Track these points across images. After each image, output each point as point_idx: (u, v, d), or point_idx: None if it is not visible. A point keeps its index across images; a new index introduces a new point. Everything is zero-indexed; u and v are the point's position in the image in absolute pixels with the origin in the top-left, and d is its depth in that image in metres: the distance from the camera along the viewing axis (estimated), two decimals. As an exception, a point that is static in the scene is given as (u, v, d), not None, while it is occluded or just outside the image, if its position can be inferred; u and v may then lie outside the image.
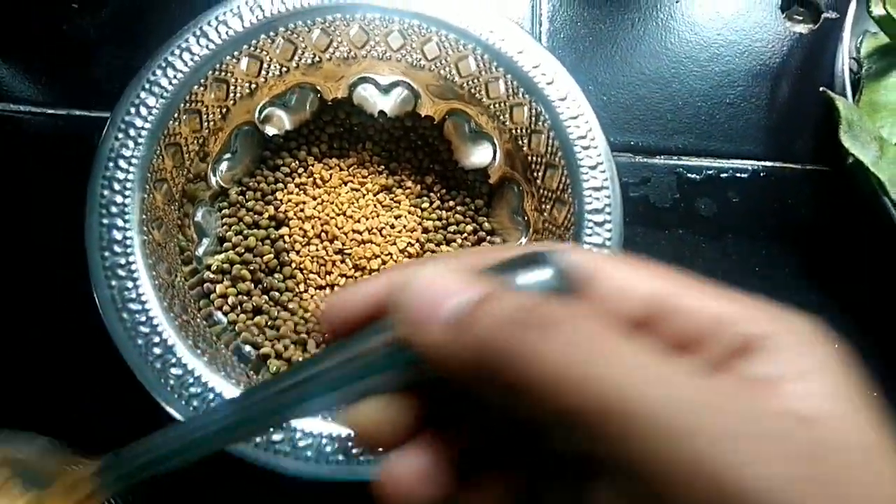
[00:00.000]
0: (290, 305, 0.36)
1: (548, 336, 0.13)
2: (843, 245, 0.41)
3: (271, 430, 0.23)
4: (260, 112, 0.37)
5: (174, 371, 0.29)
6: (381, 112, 0.39)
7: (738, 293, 0.15)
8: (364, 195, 0.38)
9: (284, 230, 0.37)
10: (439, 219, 0.38)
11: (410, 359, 0.15)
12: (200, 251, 0.35)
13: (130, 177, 0.30)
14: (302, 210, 0.37)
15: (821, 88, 0.38)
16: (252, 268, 0.36)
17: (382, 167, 0.39)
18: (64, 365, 0.36)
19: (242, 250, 0.36)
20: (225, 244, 0.36)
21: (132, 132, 0.31)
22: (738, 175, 0.42)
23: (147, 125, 0.31)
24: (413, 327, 0.15)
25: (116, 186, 0.30)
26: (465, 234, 0.38)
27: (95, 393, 0.36)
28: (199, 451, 0.17)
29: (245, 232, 0.36)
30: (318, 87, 0.38)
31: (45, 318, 0.37)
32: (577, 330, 0.13)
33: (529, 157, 0.36)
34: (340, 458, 0.28)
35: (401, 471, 0.15)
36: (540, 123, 0.34)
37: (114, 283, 0.29)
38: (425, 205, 0.38)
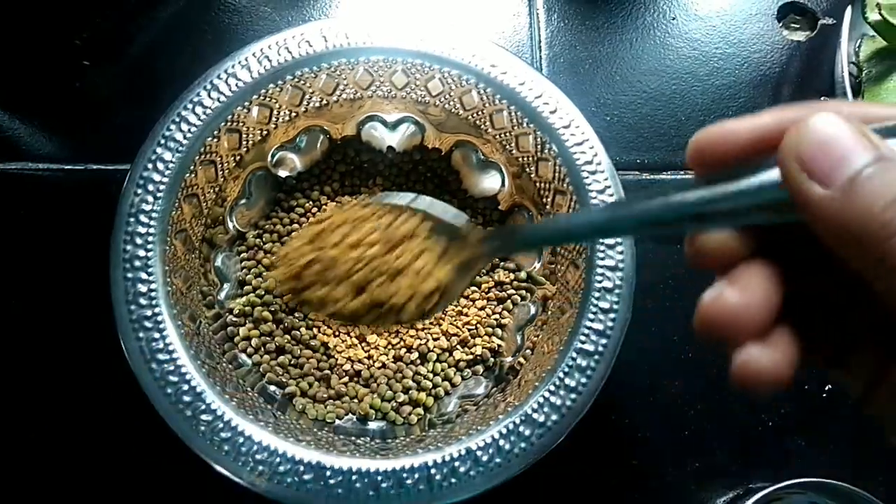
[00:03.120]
0: (312, 343, 0.36)
1: None
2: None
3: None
4: (272, 156, 0.38)
5: (204, 417, 0.29)
6: (390, 147, 0.40)
7: None
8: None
9: (302, 270, 0.37)
10: (453, 248, 0.39)
11: (789, 206, 0.15)
12: (222, 295, 0.36)
13: (151, 230, 0.31)
14: (318, 249, 0.38)
15: (822, 98, 0.39)
16: (273, 309, 0.36)
17: (394, 201, 0.39)
18: (95, 414, 0.37)
19: (262, 292, 0.36)
20: (245, 287, 0.37)
21: (150, 187, 0.32)
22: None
23: (165, 179, 0.32)
24: (808, 180, 0.14)
25: (138, 241, 0.31)
26: (479, 262, 0.39)
27: (128, 441, 0.36)
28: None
29: (264, 274, 0.37)
30: (327, 128, 0.39)
31: (74, 369, 0.38)
32: None
33: (538, 184, 0.36)
34: (422, 487, 0.29)
35: (763, 360, 0.16)
36: (546, 151, 0.35)
37: (141, 334, 0.30)
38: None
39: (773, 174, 0.16)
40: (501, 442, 0.30)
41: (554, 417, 0.30)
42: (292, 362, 0.36)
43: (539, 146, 0.35)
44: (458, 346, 0.37)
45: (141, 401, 0.30)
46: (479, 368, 0.37)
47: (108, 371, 0.36)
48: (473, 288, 0.38)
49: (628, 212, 0.19)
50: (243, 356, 0.36)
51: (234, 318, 0.36)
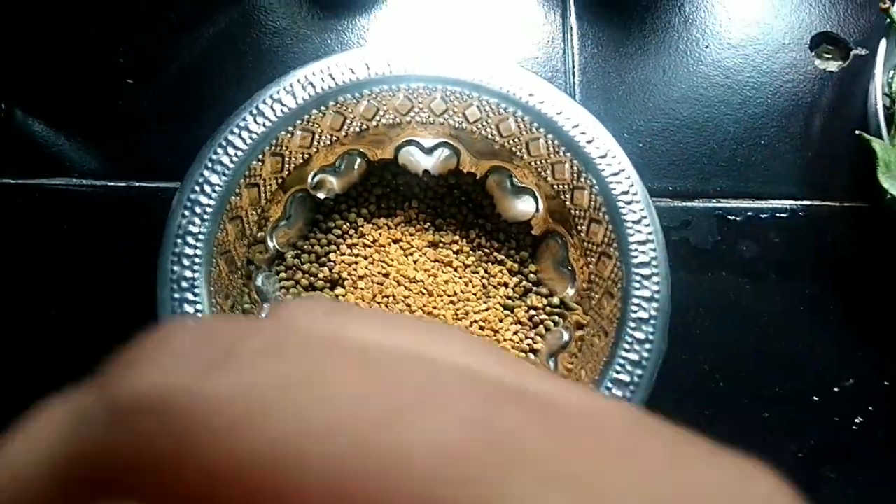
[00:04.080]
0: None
1: None
2: (888, 282, 0.42)
3: None
4: (312, 178, 0.38)
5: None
6: (426, 171, 0.41)
7: None
8: (412, 253, 0.39)
9: (339, 290, 0.38)
10: (486, 272, 0.39)
11: None
12: (263, 315, 0.37)
13: (198, 252, 0.32)
14: (355, 270, 0.38)
15: (856, 132, 0.39)
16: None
17: (428, 224, 0.40)
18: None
19: (300, 313, 0.37)
20: (284, 307, 0.37)
21: (198, 209, 0.33)
22: (777, 215, 0.43)
23: (211, 202, 0.33)
24: None
25: (185, 262, 0.32)
26: (511, 286, 0.39)
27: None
28: None
29: (303, 294, 0.38)
30: (365, 152, 0.39)
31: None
32: None
33: (572, 212, 0.37)
34: None
35: None
36: (582, 180, 0.35)
37: (187, 354, 0.31)
38: (471, 259, 0.40)
39: None
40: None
41: (589, 446, 0.31)
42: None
43: (575, 175, 0.36)
44: (491, 370, 0.37)
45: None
46: (512, 393, 0.37)
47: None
48: (507, 312, 0.39)
49: None
50: (281, 375, 0.36)
51: (273, 338, 0.37)
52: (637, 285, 0.33)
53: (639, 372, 0.32)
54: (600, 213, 0.35)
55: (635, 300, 0.33)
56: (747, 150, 0.44)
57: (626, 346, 0.32)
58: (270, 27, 0.46)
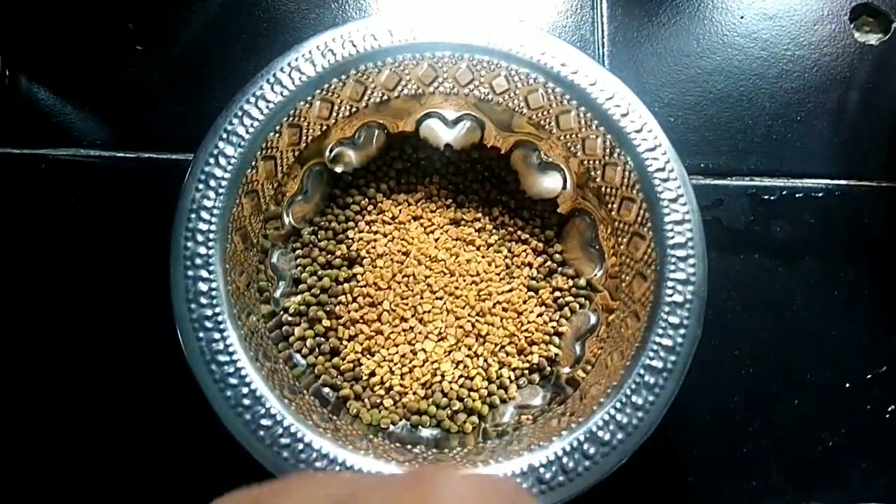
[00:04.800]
0: (366, 344, 0.36)
1: None
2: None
3: None
4: (330, 151, 0.37)
5: (264, 422, 0.29)
6: (447, 145, 0.39)
7: None
8: (433, 231, 0.38)
9: (358, 269, 0.37)
10: (509, 251, 0.38)
11: None
12: (278, 293, 0.36)
13: (213, 227, 0.31)
14: (374, 248, 0.37)
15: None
16: (328, 309, 0.36)
17: (450, 200, 0.39)
18: (153, 415, 0.37)
19: (318, 291, 0.36)
20: (300, 286, 0.36)
21: (212, 183, 0.31)
22: (812, 195, 0.41)
23: (227, 175, 0.31)
24: None
25: (200, 238, 0.31)
26: (536, 266, 0.38)
27: (186, 443, 0.36)
28: None
29: (319, 273, 0.36)
30: (385, 124, 0.38)
31: (126, 359, 0.37)
32: None
33: (603, 189, 0.35)
34: None
35: None
36: (615, 156, 0.34)
37: (202, 334, 0.29)
38: (494, 238, 0.38)
39: None
40: (565, 460, 0.29)
41: (620, 436, 0.29)
42: (346, 365, 0.35)
43: (608, 150, 0.34)
44: (515, 354, 0.36)
45: (198, 399, 0.29)
46: (536, 377, 0.36)
47: (163, 367, 0.36)
48: (531, 293, 0.37)
49: None
50: (298, 356, 0.35)
51: (290, 318, 0.35)
52: (672, 267, 0.31)
53: (672, 358, 0.30)
54: (633, 191, 0.33)
55: (670, 283, 0.31)
56: (783, 127, 0.42)
57: (660, 331, 0.31)
58: (285, -9, 0.44)
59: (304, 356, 0.35)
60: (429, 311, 0.36)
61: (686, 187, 0.33)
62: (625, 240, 0.34)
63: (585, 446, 0.29)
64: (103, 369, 0.37)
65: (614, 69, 0.43)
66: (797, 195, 0.41)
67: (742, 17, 0.44)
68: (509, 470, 0.29)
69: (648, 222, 0.33)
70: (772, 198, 0.41)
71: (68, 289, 0.38)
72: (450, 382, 0.35)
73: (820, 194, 0.41)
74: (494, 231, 0.38)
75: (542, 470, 0.29)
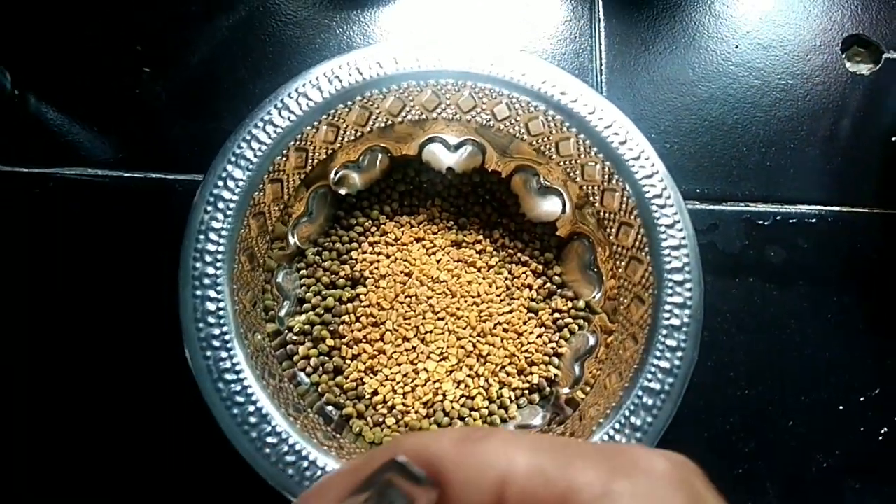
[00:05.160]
0: (368, 363, 0.36)
1: None
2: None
3: None
4: (335, 174, 0.38)
5: (270, 440, 0.29)
6: (450, 168, 0.40)
7: (600, 444, 0.16)
8: (435, 252, 0.39)
9: (361, 289, 0.37)
10: (509, 273, 0.39)
11: None
12: (282, 313, 0.36)
13: (221, 248, 0.31)
14: (377, 269, 0.38)
15: (893, 138, 0.38)
16: (332, 328, 0.36)
17: (452, 223, 0.39)
18: (160, 433, 0.37)
19: (322, 311, 0.36)
20: (305, 305, 0.37)
21: (221, 205, 0.32)
22: (806, 220, 0.42)
23: (235, 197, 0.32)
24: None
25: (208, 258, 0.31)
26: (535, 288, 0.38)
27: (192, 460, 0.36)
28: None
29: (323, 293, 0.37)
30: (388, 148, 0.39)
31: (137, 382, 0.38)
32: None
33: (602, 213, 0.36)
34: None
35: None
36: (613, 182, 0.35)
37: (209, 353, 0.30)
38: (494, 259, 0.39)
39: None
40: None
41: (619, 455, 0.30)
42: (349, 384, 0.36)
43: (606, 176, 0.35)
44: (515, 374, 0.36)
45: (205, 418, 0.30)
46: (536, 397, 0.37)
47: (170, 385, 0.36)
48: (531, 315, 0.38)
49: None
50: (302, 375, 0.35)
51: (294, 337, 0.36)
52: (669, 291, 0.32)
53: (670, 380, 0.31)
54: (631, 217, 0.34)
55: (667, 307, 0.32)
56: (776, 154, 0.43)
57: (658, 354, 0.31)
58: (291, 17, 0.45)
59: (308, 375, 0.36)
60: (431, 332, 0.37)
61: (682, 213, 0.34)
62: (623, 263, 0.35)
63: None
64: (111, 388, 0.38)
65: (612, 96, 0.44)
66: (791, 220, 0.42)
67: (737, 47, 0.45)
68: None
69: (646, 247, 0.33)
70: (766, 223, 0.42)
71: (75, 308, 0.39)
72: (451, 402, 0.35)
73: (813, 220, 0.42)
74: (495, 253, 0.39)
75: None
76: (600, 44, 0.45)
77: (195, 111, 0.43)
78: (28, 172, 0.42)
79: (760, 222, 0.42)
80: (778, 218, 0.42)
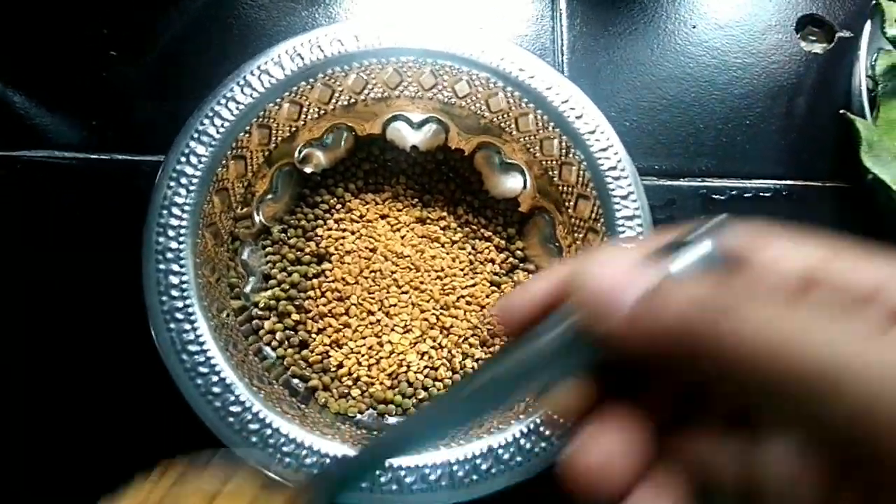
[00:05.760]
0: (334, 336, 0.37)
1: (738, 316, 0.14)
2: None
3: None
4: (299, 153, 0.38)
5: (234, 409, 0.30)
6: (413, 147, 0.41)
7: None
8: (399, 228, 0.39)
9: (326, 265, 0.38)
10: (473, 248, 0.40)
11: (593, 344, 0.16)
12: (248, 289, 0.37)
13: (184, 223, 0.32)
14: (342, 245, 0.38)
15: (840, 111, 0.39)
16: (297, 303, 0.37)
17: (416, 200, 0.40)
18: (126, 405, 0.37)
19: (288, 286, 0.37)
20: (270, 281, 0.37)
21: (183, 180, 0.32)
22: (761, 195, 0.43)
23: (198, 173, 0.33)
24: (597, 316, 0.16)
25: (171, 233, 0.32)
26: (498, 262, 0.39)
27: (156, 430, 0.37)
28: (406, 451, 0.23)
29: (289, 269, 0.37)
30: (353, 126, 0.39)
31: (101, 357, 0.38)
32: (761, 307, 0.14)
33: (560, 188, 0.37)
34: (444, 483, 0.30)
35: (593, 452, 0.16)
36: (570, 156, 0.35)
37: (172, 325, 0.31)
38: (458, 235, 0.40)
39: (569, 323, 0.17)
40: (522, 441, 0.31)
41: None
42: (315, 357, 0.36)
43: (564, 150, 0.36)
44: (478, 346, 0.37)
45: (170, 391, 0.30)
46: (498, 367, 0.37)
47: (136, 359, 0.37)
48: (493, 288, 0.39)
49: (456, 406, 0.19)
50: (268, 349, 0.36)
51: (259, 312, 0.37)
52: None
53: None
54: (588, 189, 0.35)
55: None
56: (732, 130, 0.44)
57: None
58: (257, 0, 0.45)
59: (274, 349, 0.36)
60: (395, 305, 0.37)
61: (637, 185, 0.35)
62: (581, 235, 0.36)
63: (542, 428, 0.31)
64: (77, 361, 0.38)
65: (573, 76, 0.45)
66: (746, 195, 0.43)
67: (694, 27, 0.46)
68: (470, 451, 0.30)
69: (602, 218, 0.34)
70: (722, 197, 0.43)
71: (43, 286, 0.39)
72: (415, 373, 0.36)
73: (768, 194, 0.44)
74: (458, 229, 0.40)
75: (500, 451, 0.30)
76: (562, 25, 0.46)
77: (161, 93, 0.44)
78: (-6, 156, 0.42)
79: (717, 197, 0.43)
80: (734, 193, 0.43)
